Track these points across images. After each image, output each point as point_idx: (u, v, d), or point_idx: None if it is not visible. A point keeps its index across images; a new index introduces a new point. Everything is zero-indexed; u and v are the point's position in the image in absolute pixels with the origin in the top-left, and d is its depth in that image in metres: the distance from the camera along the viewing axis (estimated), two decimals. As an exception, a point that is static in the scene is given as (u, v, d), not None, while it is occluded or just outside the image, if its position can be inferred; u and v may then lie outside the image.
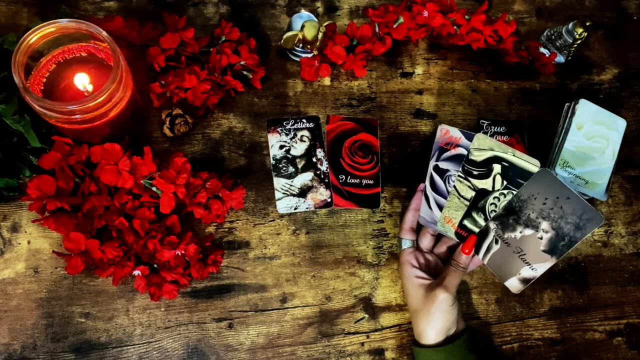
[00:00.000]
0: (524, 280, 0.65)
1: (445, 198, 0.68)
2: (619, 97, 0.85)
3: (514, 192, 0.66)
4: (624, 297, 0.76)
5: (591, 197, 0.73)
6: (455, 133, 0.70)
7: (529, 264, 0.65)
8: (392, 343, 0.70)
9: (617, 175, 0.81)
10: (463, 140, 0.69)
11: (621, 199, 0.80)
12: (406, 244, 0.69)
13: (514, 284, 0.66)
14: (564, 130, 0.74)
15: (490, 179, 0.67)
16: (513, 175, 0.66)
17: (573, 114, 0.74)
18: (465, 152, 0.69)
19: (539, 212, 0.64)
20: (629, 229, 0.79)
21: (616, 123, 0.74)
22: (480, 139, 0.67)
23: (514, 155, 0.66)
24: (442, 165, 0.69)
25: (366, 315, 0.71)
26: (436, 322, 0.63)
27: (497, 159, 0.67)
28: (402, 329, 0.71)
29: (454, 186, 0.68)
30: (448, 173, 0.69)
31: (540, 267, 0.65)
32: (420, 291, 0.65)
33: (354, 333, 0.70)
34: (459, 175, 0.68)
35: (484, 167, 0.67)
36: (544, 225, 0.64)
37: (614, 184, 0.81)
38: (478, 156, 0.67)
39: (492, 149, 0.67)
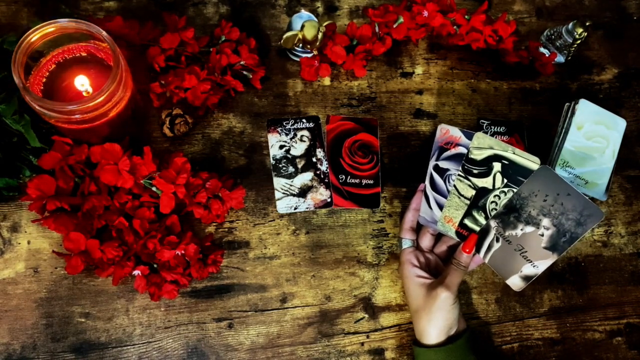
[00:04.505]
0: (526, 278, 0.65)
1: (446, 197, 0.68)
2: (619, 97, 0.85)
3: (515, 190, 0.66)
4: (624, 297, 0.76)
5: (591, 197, 0.73)
6: (455, 132, 0.70)
7: (531, 261, 0.65)
8: (392, 343, 0.70)
9: (617, 175, 0.81)
10: (463, 140, 0.69)
11: (621, 199, 0.80)
12: (406, 243, 0.69)
13: (515, 282, 0.66)
14: (564, 130, 0.74)
15: (491, 177, 0.67)
16: (513, 173, 0.66)
17: (573, 114, 0.74)
18: (465, 151, 0.69)
19: (540, 209, 0.64)
20: (629, 229, 0.79)
21: (616, 123, 0.74)
22: (480, 138, 0.67)
23: (514, 153, 0.66)
24: (442, 164, 0.69)
25: (366, 315, 0.71)
26: (437, 321, 0.63)
27: (497, 157, 0.67)
28: (402, 329, 0.71)
29: (454, 185, 0.68)
30: (448, 172, 0.69)
31: (541, 264, 0.65)
32: (422, 290, 0.65)
33: (354, 333, 0.70)
34: (459, 175, 0.68)
35: (484, 166, 0.67)
36: (545, 222, 0.64)
37: (614, 184, 0.81)
38: (478, 155, 0.67)
39: (491, 148, 0.67)
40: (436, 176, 0.69)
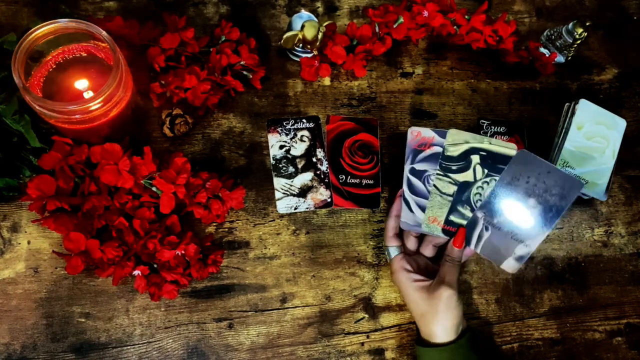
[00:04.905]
0: (520, 258, 0.66)
1: (426, 199, 0.68)
2: (619, 97, 0.85)
3: (497, 178, 0.66)
4: (624, 297, 0.77)
5: (591, 197, 0.73)
6: (427, 133, 0.69)
7: (522, 242, 0.65)
8: (392, 343, 0.70)
9: (617, 175, 0.81)
10: (437, 139, 0.69)
11: (621, 199, 0.80)
12: (394, 251, 0.69)
13: (510, 265, 0.66)
14: (564, 130, 0.74)
15: (471, 170, 0.67)
16: (493, 162, 0.67)
17: (573, 114, 0.74)
18: (440, 150, 0.68)
19: (524, 191, 0.65)
20: (629, 229, 0.79)
21: (616, 123, 0.74)
22: (454, 134, 0.68)
23: (490, 144, 0.67)
24: (418, 166, 0.69)
25: (366, 315, 0.71)
26: (446, 321, 0.63)
27: (474, 150, 0.67)
28: (402, 329, 0.71)
29: (434, 185, 0.68)
30: (426, 173, 0.69)
31: (532, 242, 0.66)
32: (423, 294, 0.64)
33: (354, 333, 0.70)
34: (437, 174, 0.68)
35: (462, 160, 0.67)
36: (531, 202, 0.65)
37: (614, 184, 0.81)
38: (454, 151, 0.68)
39: (467, 142, 0.67)
40: (414, 179, 0.69)
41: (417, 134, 0.69)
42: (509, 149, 0.66)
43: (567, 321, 0.75)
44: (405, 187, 0.69)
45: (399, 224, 0.69)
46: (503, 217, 0.66)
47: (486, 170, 0.67)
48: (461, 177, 0.67)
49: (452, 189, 0.67)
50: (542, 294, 0.75)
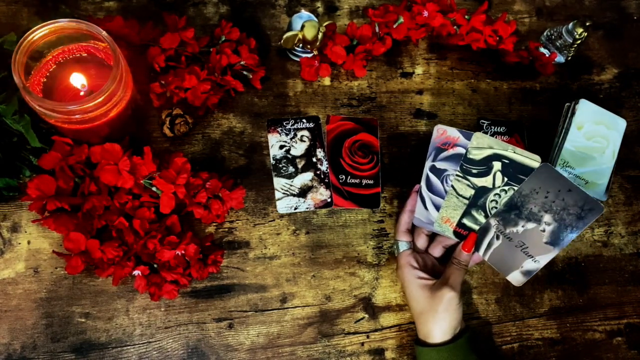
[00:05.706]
0: (527, 273, 0.65)
1: (442, 198, 0.68)
2: (619, 97, 0.85)
3: (515, 188, 0.66)
4: (624, 297, 0.76)
5: (591, 197, 0.73)
6: (453, 133, 0.69)
7: (532, 257, 0.65)
8: (392, 343, 0.70)
9: (617, 175, 0.81)
10: (461, 140, 0.69)
11: (621, 199, 0.80)
12: (404, 246, 0.69)
13: (516, 277, 0.66)
14: (564, 130, 0.74)
15: (491, 176, 0.67)
16: (514, 171, 0.66)
17: (573, 114, 0.74)
18: (463, 151, 0.68)
19: (541, 205, 0.65)
20: (629, 229, 0.79)
21: (616, 123, 0.74)
22: (479, 138, 0.67)
23: (514, 152, 0.66)
24: (439, 165, 0.69)
25: (366, 315, 0.71)
26: (444, 322, 0.63)
27: (496, 157, 0.67)
28: (402, 329, 0.71)
29: (452, 186, 0.68)
30: (445, 173, 0.69)
31: (542, 258, 0.65)
32: (425, 292, 0.64)
33: (354, 333, 0.70)
34: (457, 175, 0.68)
35: (484, 165, 0.67)
36: (547, 218, 0.65)
37: (614, 184, 0.81)
38: (477, 155, 0.67)
39: (491, 147, 0.67)
40: (432, 177, 0.69)
41: (443, 132, 0.69)
42: (532, 160, 0.66)
43: (567, 321, 0.75)
44: (423, 184, 0.69)
45: (411, 220, 0.69)
46: (515, 229, 0.65)
47: (506, 179, 0.66)
48: (480, 181, 0.67)
49: (470, 192, 0.67)
50: (542, 294, 0.75)
